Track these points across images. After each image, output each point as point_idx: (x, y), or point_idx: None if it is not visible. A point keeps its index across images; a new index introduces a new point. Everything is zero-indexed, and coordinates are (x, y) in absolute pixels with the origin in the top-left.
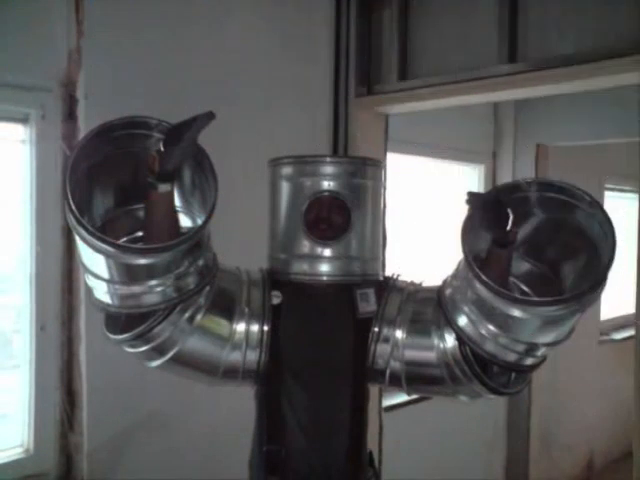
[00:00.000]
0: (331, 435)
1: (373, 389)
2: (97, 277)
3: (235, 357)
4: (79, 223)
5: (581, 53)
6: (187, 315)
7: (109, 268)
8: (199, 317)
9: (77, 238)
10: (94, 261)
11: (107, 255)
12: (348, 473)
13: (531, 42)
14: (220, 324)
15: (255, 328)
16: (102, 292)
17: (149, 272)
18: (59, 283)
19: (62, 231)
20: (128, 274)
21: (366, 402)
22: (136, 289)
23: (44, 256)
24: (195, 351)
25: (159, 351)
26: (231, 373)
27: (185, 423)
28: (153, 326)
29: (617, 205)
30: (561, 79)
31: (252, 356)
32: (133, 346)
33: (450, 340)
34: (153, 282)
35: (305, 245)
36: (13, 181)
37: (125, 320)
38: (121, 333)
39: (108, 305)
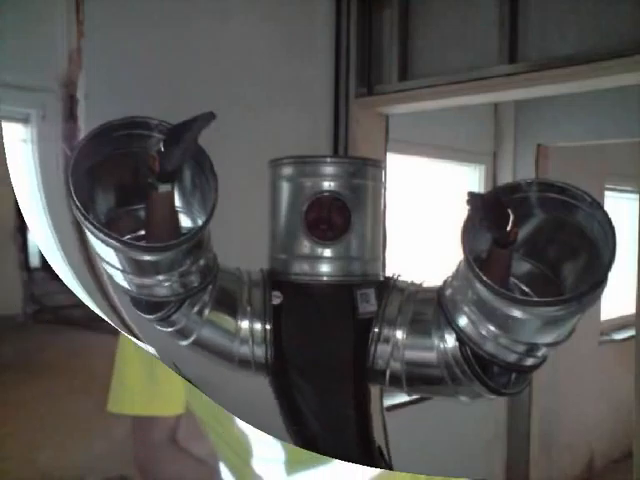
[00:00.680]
0: (340, 429)
1: (374, 390)
2: (112, 266)
3: (245, 351)
4: (85, 219)
5: (582, 53)
6: (196, 309)
7: (120, 260)
8: (207, 312)
9: (87, 232)
10: (107, 252)
11: (115, 249)
12: (360, 461)
13: (531, 42)
14: (226, 320)
15: (258, 326)
16: (120, 279)
17: (155, 268)
18: None
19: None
20: (137, 267)
21: (368, 403)
22: (147, 281)
23: None
24: (210, 340)
25: (182, 334)
26: (245, 364)
27: None
28: (170, 314)
29: (618, 205)
30: (562, 79)
31: (259, 352)
32: (161, 326)
33: (450, 340)
34: (160, 277)
35: (305, 246)
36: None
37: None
38: (149, 313)
39: (128, 290)
